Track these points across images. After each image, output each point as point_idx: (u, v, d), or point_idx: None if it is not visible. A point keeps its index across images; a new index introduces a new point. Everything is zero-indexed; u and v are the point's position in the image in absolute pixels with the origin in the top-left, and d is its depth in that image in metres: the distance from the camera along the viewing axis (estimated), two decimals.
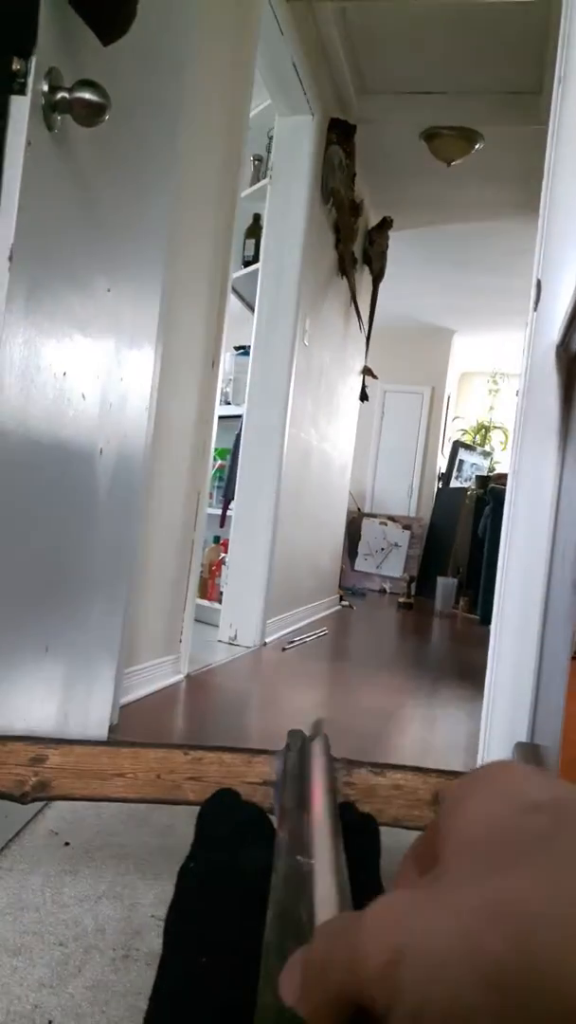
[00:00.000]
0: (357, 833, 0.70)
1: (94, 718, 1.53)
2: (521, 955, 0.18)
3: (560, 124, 1.52)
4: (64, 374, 1.11)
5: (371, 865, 0.68)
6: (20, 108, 0.86)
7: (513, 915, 0.19)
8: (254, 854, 0.59)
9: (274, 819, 0.73)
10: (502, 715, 1.50)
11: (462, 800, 0.25)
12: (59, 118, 0.94)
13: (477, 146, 3.78)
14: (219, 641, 3.18)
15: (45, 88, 0.90)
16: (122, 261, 1.37)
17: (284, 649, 3.18)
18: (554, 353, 1.47)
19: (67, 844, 1.21)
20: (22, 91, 0.86)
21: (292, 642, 3.33)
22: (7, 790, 0.83)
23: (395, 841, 0.75)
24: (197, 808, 0.76)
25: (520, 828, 0.22)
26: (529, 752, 1.36)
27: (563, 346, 1.43)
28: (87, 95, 0.90)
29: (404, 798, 0.77)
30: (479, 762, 1.56)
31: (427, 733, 2.13)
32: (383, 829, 0.77)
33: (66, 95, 0.91)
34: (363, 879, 0.55)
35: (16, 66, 0.85)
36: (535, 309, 1.51)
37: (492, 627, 1.55)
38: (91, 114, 0.92)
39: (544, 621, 1.46)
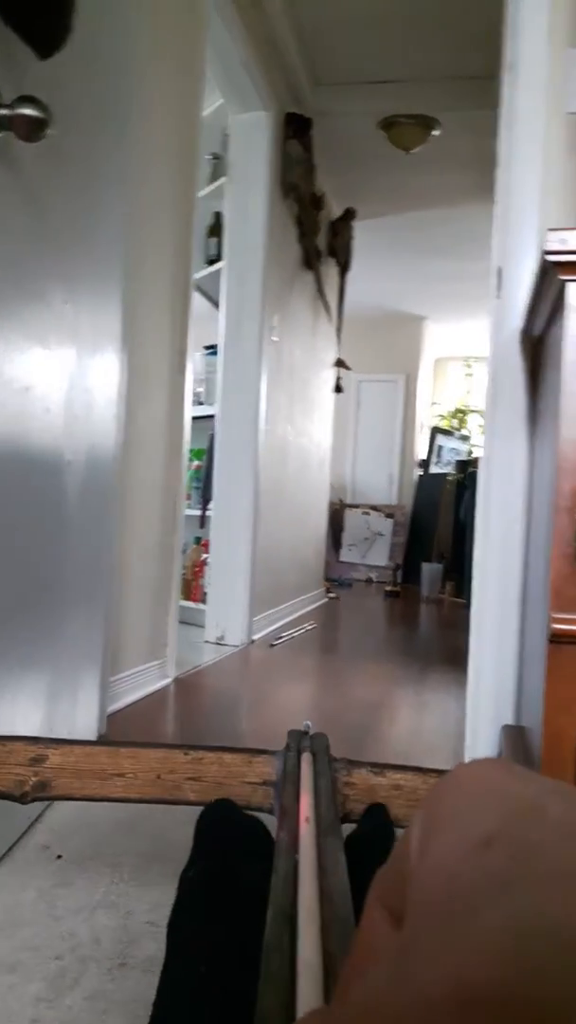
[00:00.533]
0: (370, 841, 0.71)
1: (80, 727, 1.53)
2: None
3: (512, 111, 1.53)
4: (26, 389, 1.11)
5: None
6: None
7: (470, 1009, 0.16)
8: (254, 865, 0.59)
9: (274, 819, 0.74)
10: (487, 699, 1.51)
11: (426, 830, 0.22)
12: (1, 135, 0.93)
13: (435, 132, 3.79)
14: (206, 642, 3.18)
15: None
16: (79, 271, 1.37)
17: (272, 646, 3.19)
18: (518, 339, 1.48)
19: (59, 857, 1.21)
20: None
21: (280, 638, 3.34)
22: (7, 790, 0.83)
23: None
24: (191, 810, 0.76)
25: (474, 872, 0.19)
26: (515, 735, 1.38)
27: (526, 332, 1.45)
28: (28, 111, 0.89)
29: (404, 798, 0.78)
30: (467, 746, 1.57)
31: (416, 721, 2.15)
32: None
33: (6, 112, 0.90)
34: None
35: None
36: (497, 296, 1.52)
37: (472, 612, 1.56)
38: (33, 130, 0.91)
39: (523, 604, 1.47)
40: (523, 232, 1.47)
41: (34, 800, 0.84)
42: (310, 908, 0.43)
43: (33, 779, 0.85)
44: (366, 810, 0.76)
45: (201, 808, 0.77)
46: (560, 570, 0.97)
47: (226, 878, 0.63)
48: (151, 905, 1.07)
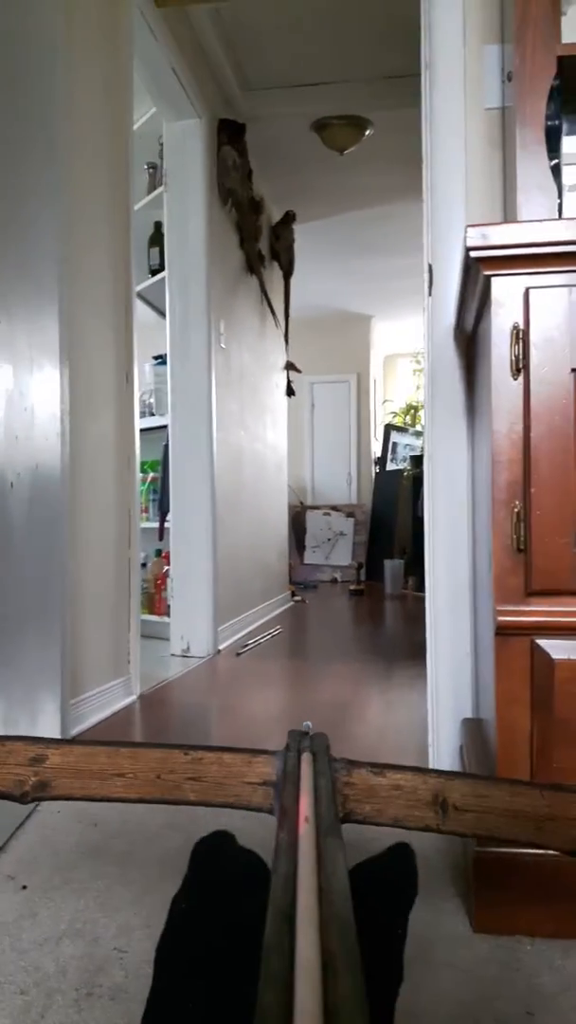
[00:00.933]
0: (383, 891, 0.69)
1: None
2: None
3: (431, 109, 1.55)
4: None
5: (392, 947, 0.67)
6: None
7: None
8: (249, 901, 0.59)
9: (273, 820, 0.73)
10: (446, 693, 1.52)
11: None
12: None
13: (367, 132, 3.82)
14: (172, 655, 3.16)
15: None
16: (12, 290, 1.34)
17: (238, 654, 3.18)
18: (452, 335, 1.50)
19: (24, 888, 1.18)
20: None
21: (246, 646, 3.33)
22: (7, 790, 0.82)
23: (396, 840, 0.75)
24: (160, 827, 0.75)
25: None
26: (474, 728, 1.39)
27: (459, 328, 1.46)
28: None
29: (404, 798, 0.78)
30: (430, 742, 1.58)
31: (383, 719, 2.15)
32: (384, 831, 0.77)
33: None
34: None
35: None
36: (430, 294, 1.53)
37: (427, 609, 1.57)
38: None
39: (474, 597, 1.49)
40: (450, 229, 1.49)
41: (34, 800, 0.83)
42: (309, 908, 0.43)
43: (33, 779, 0.84)
44: (392, 848, 0.74)
45: (202, 807, 0.77)
46: (502, 562, 0.97)
47: (220, 916, 0.63)
48: (118, 930, 1.05)
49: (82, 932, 1.06)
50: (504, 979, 0.94)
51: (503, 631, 0.98)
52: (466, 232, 1.00)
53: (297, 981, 0.34)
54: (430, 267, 1.53)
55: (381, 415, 8.01)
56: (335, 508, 6.97)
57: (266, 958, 0.37)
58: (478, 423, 1.32)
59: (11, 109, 1.42)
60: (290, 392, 4.89)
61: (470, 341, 1.43)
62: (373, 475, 7.41)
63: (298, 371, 4.92)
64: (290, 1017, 0.32)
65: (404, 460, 7.03)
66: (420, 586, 5.55)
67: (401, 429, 7.46)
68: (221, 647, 3.27)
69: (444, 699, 1.52)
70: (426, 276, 1.54)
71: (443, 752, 1.51)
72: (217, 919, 0.65)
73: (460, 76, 1.50)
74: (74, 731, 1.90)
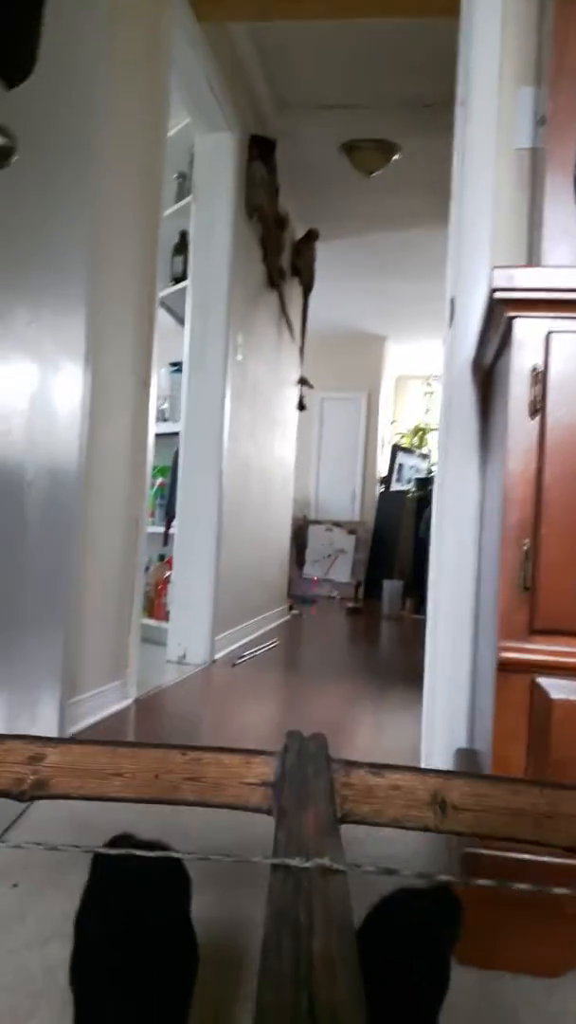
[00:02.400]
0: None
1: None
2: None
3: (463, 145, 1.58)
4: None
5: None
6: None
7: None
8: (160, 910, 0.59)
9: (272, 819, 0.74)
10: (441, 722, 1.54)
11: None
12: None
13: (395, 157, 3.86)
14: (168, 661, 3.17)
15: None
16: (43, 292, 1.37)
17: (234, 665, 3.19)
18: (470, 368, 1.52)
19: (15, 886, 1.19)
20: None
21: (242, 656, 3.34)
22: (6, 788, 0.82)
23: (397, 838, 0.76)
24: (162, 833, 0.76)
25: None
26: (468, 758, 1.40)
27: (478, 361, 1.48)
28: None
29: (403, 798, 0.78)
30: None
31: (374, 742, 2.16)
32: (384, 831, 0.77)
33: None
34: None
35: None
36: (450, 326, 1.56)
37: (427, 635, 1.58)
38: None
39: (476, 627, 1.50)
40: (475, 264, 1.51)
41: (32, 799, 0.84)
42: (308, 910, 0.43)
43: (31, 777, 0.85)
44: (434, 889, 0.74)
45: (202, 808, 0.78)
46: (508, 600, 0.99)
47: (132, 930, 0.63)
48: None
49: (70, 935, 1.06)
50: (487, 1014, 0.95)
51: (505, 667, 0.99)
52: (492, 273, 1.03)
53: (295, 981, 0.35)
54: (452, 299, 1.56)
55: (389, 435, 8.04)
56: (337, 524, 6.99)
57: (264, 958, 0.37)
58: (491, 458, 1.34)
59: (52, 118, 1.44)
60: (301, 407, 4.92)
61: (488, 376, 1.46)
62: (377, 494, 7.43)
63: (311, 386, 4.95)
64: (288, 1017, 0.32)
65: (409, 481, 7.05)
66: (418, 608, 5.57)
67: (408, 450, 7.49)
68: (217, 656, 3.27)
69: (439, 728, 1.53)
70: (447, 309, 1.57)
71: None
72: (125, 923, 0.64)
73: (494, 115, 1.53)
74: (70, 731, 1.91)
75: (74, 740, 0.88)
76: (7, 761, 0.84)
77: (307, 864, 0.49)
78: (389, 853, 1.35)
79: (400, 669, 3.44)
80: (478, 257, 1.51)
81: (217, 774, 0.81)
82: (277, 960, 0.37)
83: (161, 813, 0.89)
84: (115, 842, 0.72)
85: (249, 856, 0.62)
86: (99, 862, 0.70)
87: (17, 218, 1.24)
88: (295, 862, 0.49)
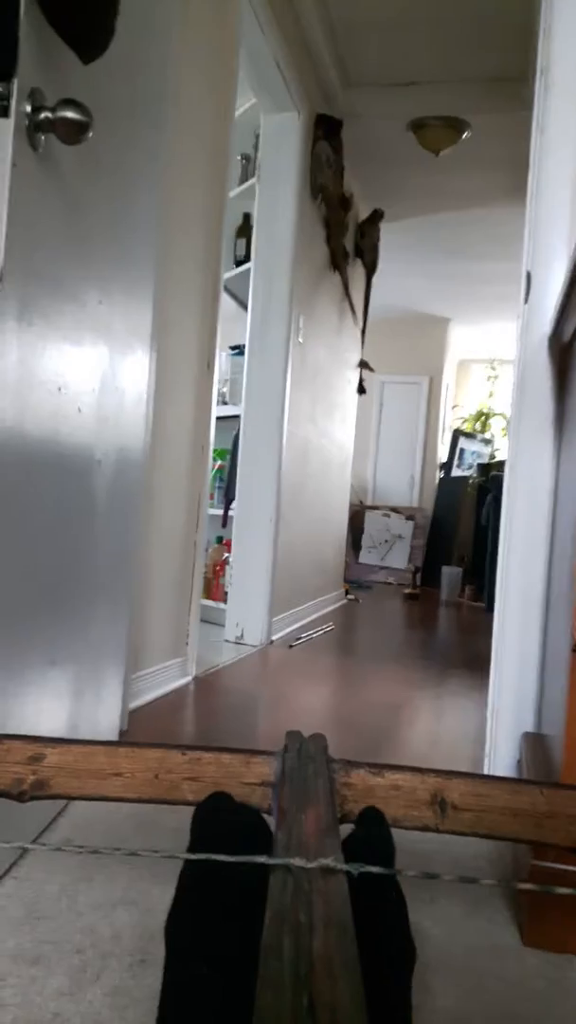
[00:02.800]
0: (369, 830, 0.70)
1: (104, 725, 1.55)
2: None
3: (544, 113, 1.52)
4: (59, 389, 1.12)
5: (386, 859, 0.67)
6: (4, 131, 0.87)
7: None
8: (250, 862, 0.59)
9: (272, 820, 0.74)
10: (508, 705, 1.51)
11: None
12: (43, 137, 0.95)
13: (464, 135, 3.77)
14: (225, 641, 3.20)
15: (28, 109, 0.91)
16: (112, 271, 1.38)
17: (291, 646, 3.20)
18: (546, 344, 1.48)
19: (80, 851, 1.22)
20: (5, 113, 0.87)
21: (299, 639, 3.35)
22: (5, 788, 0.84)
23: (396, 839, 0.76)
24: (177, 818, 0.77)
25: None
26: (535, 742, 1.37)
27: (555, 337, 1.44)
28: (70, 114, 0.90)
29: (403, 798, 0.78)
30: (486, 752, 1.57)
31: (436, 725, 2.14)
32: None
33: (49, 115, 0.91)
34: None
35: None
36: (526, 301, 1.51)
37: (495, 619, 1.56)
38: (75, 132, 0.92)
39: (546, 612, 1.47)
40: (553, 237, 1.46)
41: (32, 799, 0.85)
42: (308, 910, 0.43)
43: (31, 777, 0.86)
44: (362, 812, 0.75)
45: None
46: None
47: (224, 877, 0.64)
48: (170, 903, 1.08)
49: (136, 901, 1.08)
50: (553, 996, 0.94)
51: None
52: (575, 244, 0.99)
53: (296, 982, 0.34)
54: (528, 273, 1.51)
55: (450, 420, 7.92)
56: (395, 510, 6.93)
57: (264, 959, 0.37)
58: (568, 435, 1.30)
59: (124, 97, 1.45)
60: (361, 390, 4.88)
61: (566, 351, 1.41)
62: (437, 480, 7.34)
63: (371, 370, 4.90)
64: (289, 1018, 0.32)
65: (470, 467, 6.94)
66: (477, 595, 5.49)
67: (470, 435, 7.37)
68: (274, 638, 3.29)
69: (505, 711, 1.51)
70: (523, 283, 1.52)
71: (499, 764, 1.50)
72: (219, 885, 0.65)
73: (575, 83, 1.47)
74: (131, 706, 1.94)
75: (74, 740, 0.88)
76: (7, 761, 0.85)
77: (308, 864, 0.49)
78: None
79: (460, 656, 3.40)
80: (557, 230, 1.46)
81: (216, 774, 0.81)
82: (277, 961, 0.36)
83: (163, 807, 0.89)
84: (213, 798, 0.73)
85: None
86: (197, 816, 0.71)
87: (90, 196, 1.25)
88: (295, 862, 0.49)
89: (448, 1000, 0.91)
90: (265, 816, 0.76)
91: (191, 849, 0.69)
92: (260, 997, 0.34)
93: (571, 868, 0.98)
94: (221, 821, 0.70)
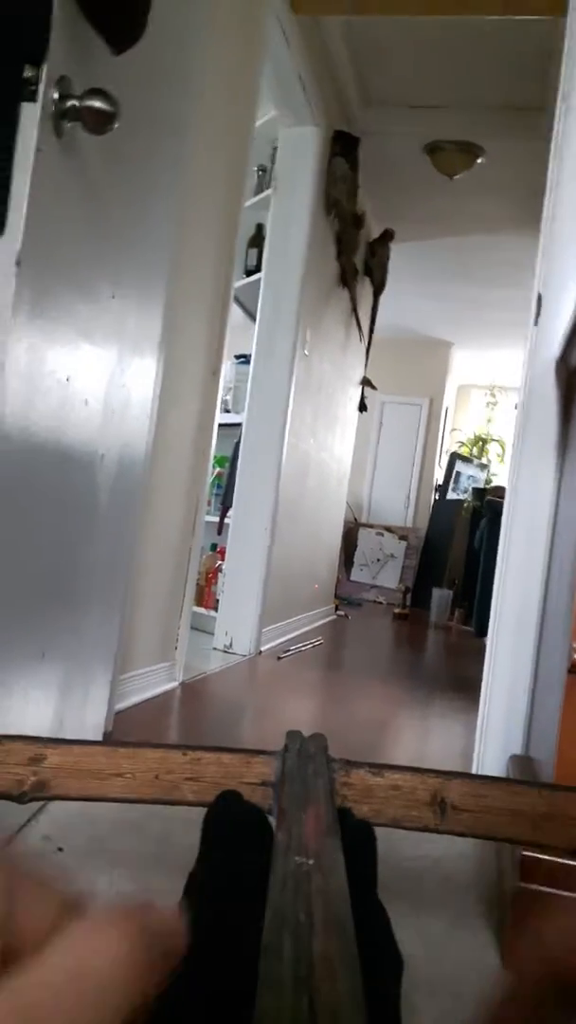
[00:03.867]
0: (354, 841, 0.70)
1: (90, 723, 1.53)
2: None
3: (563, 140, 1.54)
4: (68, 379, 1.12)
5: (368, 875, 0.68)
6: (31, 115, 0.87)
7: None
8: (254, 857, 0.59)
9: (272, 820, 0.73)
10: (497, 727, 1.50)
11: None
12: (68, 126, 0.95)
13: (479, 160, 3.81)
14: (214, 649, 3.18)
15: (56, 96, 0.91)
16: (127, 268, 1.38)
17: (279, 658, 3.18)
18: (554, 368, 1.48)
19: (60, 849, 1.20)
20: (33, 98, 0.87)
21: (287, 651, 3.33)
22: (6, 790, 0.83)
23: (397, 838, 0.75)
24: (193, 812, 0.76)
25: None
26: (523, 764, 1.36)
27: (563, 360, 1.44)
28: (97, 103, 0.90)
29: (402, 799, 0.77)
30: (475, 771, 1.55)
31: (422, 744, 2.13)
32: (381, 830, 0.77)
33: (76, 103, 0.91)
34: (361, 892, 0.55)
35: (28, 73, 0.85)
36: (535, 323, 1.52)
37: (488, 641, 1.55)
38: (101, 122, 0.93)
39: (541, 633, 1.46)
40: (565, 259, 1.47)
41: (32, 800, 0.84)
42: (308, 910, 0.43)
43: (32, 779, 0.85)
44: (354, 824, 0.75)
45: (202, 808, 0.77)
46: None
47: (230, 876, 0.63)
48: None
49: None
50: None
51: None
52: None
53: (296, 983, 0.34)
54: (539, 296, 1.52)
55: (448, 443, 7.95)
56: (389, 529, 6.93)
57: (264, 960, 0.37)
58: (571, 459, 1.30)
59: (150, 97, 1.45)
60: (363, 408, 4.89)
61: (573, 376, 1.42)
62: (432, 501, 7.35)
63: (374, 388, 4.91)
64: (289, 1018, 0.31)
65: (466, 491, 6.95)
66: (466, 619, 5.48)
67: (467, 459, 7.39)
68: (263, 648, 3.27)
69: (494, 732, 1.50)
70: (534, 305, 1.53)
71: None
72: (226, 881, 0.64)
73: None
74: (117, 707, 1.92)
75: (74, 741, 0.87)
76: (7, 762, 0.84)
77: (307, 864, 0.48)
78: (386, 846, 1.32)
79: (447, 677, 3.39)
80: (569, 254, 1.47)
81: (217, 774, 0.80)
82: (277, 961, 0.36)
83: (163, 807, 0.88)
84: (224, 796, 0.73)
85: None
86: (208, 818, 0.71)
87: (110, 195, 1.25)
88: (295, 862, 0.49)
89: (430, 1018, 0.89)
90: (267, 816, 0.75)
91: (205, 849, 0.69)
92: (260, 997, 0.33)
93: (556, 892, 0.97)
94: (227, 825, 0.70)
